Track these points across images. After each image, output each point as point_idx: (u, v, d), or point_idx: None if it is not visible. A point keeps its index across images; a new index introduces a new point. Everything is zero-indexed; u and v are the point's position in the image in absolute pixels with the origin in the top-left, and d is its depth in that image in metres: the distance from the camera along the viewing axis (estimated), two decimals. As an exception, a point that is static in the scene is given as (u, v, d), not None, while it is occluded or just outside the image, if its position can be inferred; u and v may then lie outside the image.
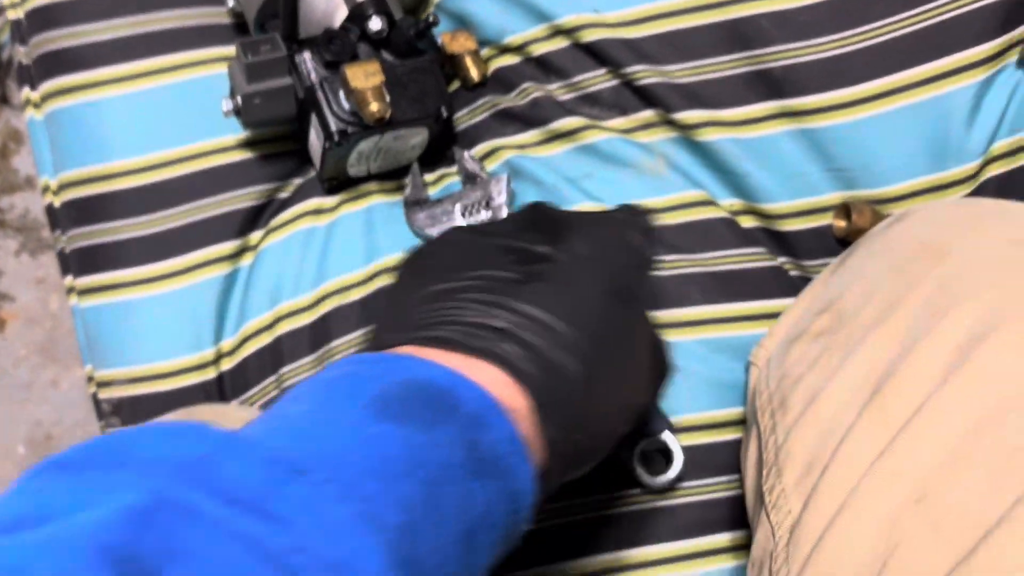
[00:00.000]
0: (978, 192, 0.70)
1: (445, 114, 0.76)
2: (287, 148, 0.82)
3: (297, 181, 0.81)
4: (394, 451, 0.31)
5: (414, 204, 0.78)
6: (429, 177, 0.81)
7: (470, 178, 0.78)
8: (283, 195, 0.81)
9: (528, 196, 0.76)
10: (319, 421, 0.32)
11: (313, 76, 0.74)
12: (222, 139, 0.80)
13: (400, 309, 0.43)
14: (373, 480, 0.29)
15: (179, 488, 0.26)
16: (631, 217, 0.55)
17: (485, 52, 0.81)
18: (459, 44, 0.80)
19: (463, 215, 0.77)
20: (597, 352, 0.41)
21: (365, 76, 0.70)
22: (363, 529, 0.27)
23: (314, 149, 0.78)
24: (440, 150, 0.82)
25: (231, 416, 0.67)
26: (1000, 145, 0.70)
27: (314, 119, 0.75)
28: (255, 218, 0.80)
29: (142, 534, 0.23)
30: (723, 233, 0.72)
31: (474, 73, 0.79)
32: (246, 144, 0.81)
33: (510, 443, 0.34)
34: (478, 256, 0.46)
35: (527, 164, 0.76)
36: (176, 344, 0.76)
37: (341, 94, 0.73)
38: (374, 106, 0.69)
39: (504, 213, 0.76)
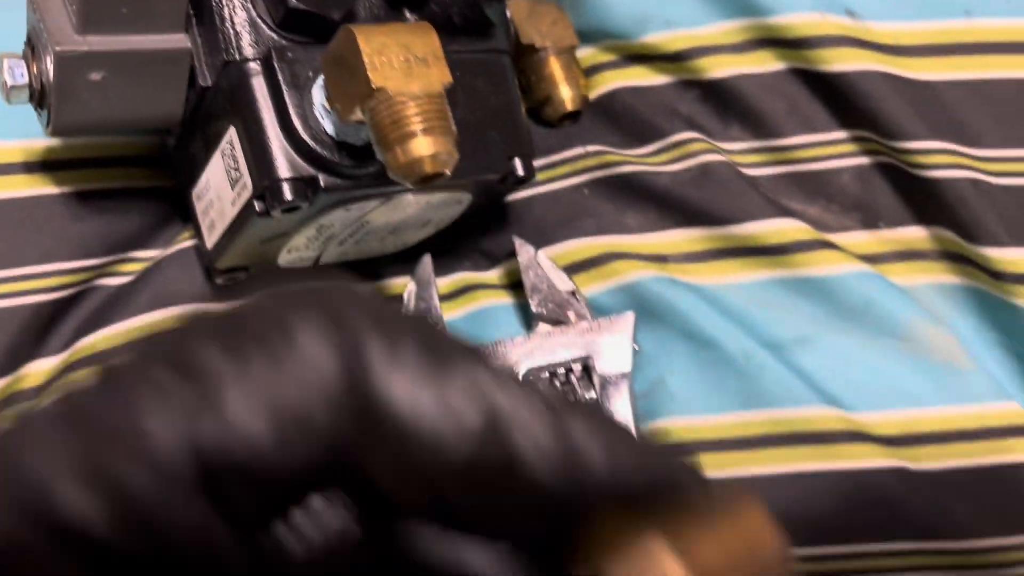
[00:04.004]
0: None
1: (521, 172, 0.35)
2: (131, 180, 0.38)
3: (144, 256, 0.38)
4: None
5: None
6: (442, 285, 0.39)
7: (549, 308, 0.37)
8: (109, 283, 0.37)
9: (672, 365, 0.37)
10: None
11: (247, 42, 0.31)
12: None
13: None
14: None
15: None
16: None
17: (589, 54, 0.41)
18: (543, 27, 0.39)
19: (529, 389, 0.36)
20: None
21: (407, 62, 0.28)
22: None
23: (210, 200, 0.34)
24: (469, 232, 0.40)
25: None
26: None
27: (232, 141, 0.31)
28: (41, 333, 0.35)
29: None
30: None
31: (566, 93, 0.39)
32: (41, 166, 0.36)
33: None
34: None
35: (674, 297, 0.37)
36: None
37: (317, 92, 0.30)
38: (429, 145, 0.27)
39: (622, 394, 0.35)
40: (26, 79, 0.31)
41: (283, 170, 0.30)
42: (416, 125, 0.27)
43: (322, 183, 0.31)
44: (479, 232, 0.40)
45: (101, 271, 0.37)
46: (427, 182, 0.28)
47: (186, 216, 0.38)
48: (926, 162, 0.36)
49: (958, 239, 0.37)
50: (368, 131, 0.29)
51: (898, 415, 0.36)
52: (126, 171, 0.38)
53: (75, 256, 0.36)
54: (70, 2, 0.29)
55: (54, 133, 0.31)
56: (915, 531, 0.34)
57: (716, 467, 0.35)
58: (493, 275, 0.40)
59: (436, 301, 0.37)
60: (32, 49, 0.31)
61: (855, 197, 0.38)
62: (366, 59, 0.27)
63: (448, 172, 0.28)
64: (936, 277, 0.38)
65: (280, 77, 0.30)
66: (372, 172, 0.31)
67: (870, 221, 0.38)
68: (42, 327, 0.36)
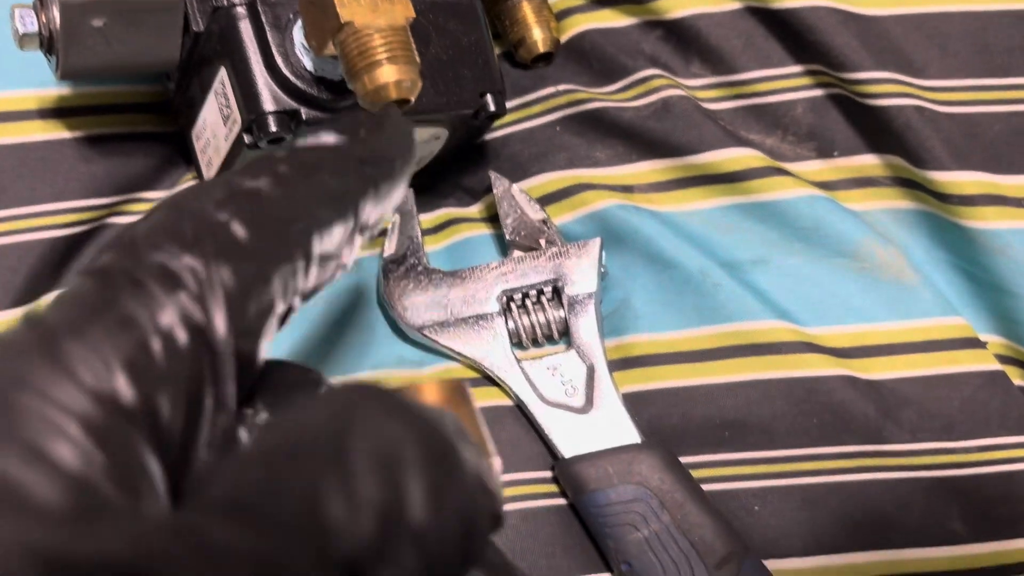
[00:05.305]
0: None
1: (493, 107, 0.38)
2: (137, 126, 0.41)
3: (152, 197, 0.41)
4: None
5: (402, 271, 0.39)
6: (426, 220, 0.42)
7: (522, 236, 0.40)
8: (120, 222, 0.40)
9: (637, 286, 0.39)
10: None
11: (233, -14, 0.34)
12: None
13: None
14: None
15: None
16: None
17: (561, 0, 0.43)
18: (514, -25, 0.42)
19: (506, 307, 0.39)
20: None
21: (373, 2, 0.31)
22: None
23: (207, 139, 0.37)
24: (451, 170, 0.43)
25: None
26: None
27: (223, 81, 0.35)
28: (57, 266, 0.39)
29: None
30: (992, 399, 0.38)
31: (537, 35, 0.42)
32: (54, 113, 0.40)
33: None
34: None
35: (639, 223, 0.39)
36: None
37: (296, 33, 0.33)
38: (393, 72, 0.30)
39: (588, 312, 0.38)
40: (36, 27, 0.34)
41: (268, 104, 0.33)
42: (381, 55, 0.30)
43: (303, 115, 0.34)
44: (461, 170, 0.43)
45: (112, 210, 0.40)
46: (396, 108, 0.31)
47: (188, 159, 0.41)
48: (873, 91, 0.38)
49: (907, 164, 0.39)
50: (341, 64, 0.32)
51: (848, 329, 0.38)
52: (133, 117, 0.41)
53: (86, 195, 0.40)
54: (72, -46, 0.32)
55: (63, 77, 0.35)
56: (861, 435, 0.37)
57: (678, 377, 0.38)
58: (474, 209, 0.42)
59: (418, 231, 0.40)
60: (41, 0, 0.34)
61: (809, 127, 0.40)
62: (339, 2, 0.30)
63: (412, 99, 0.31)
64: (889, 202, 0.40)
65: (263, 19, 0.33)
66: (349, 105, 0.34)
67: (825, 150, 0.40)
68: (58, 260, 0.39)
